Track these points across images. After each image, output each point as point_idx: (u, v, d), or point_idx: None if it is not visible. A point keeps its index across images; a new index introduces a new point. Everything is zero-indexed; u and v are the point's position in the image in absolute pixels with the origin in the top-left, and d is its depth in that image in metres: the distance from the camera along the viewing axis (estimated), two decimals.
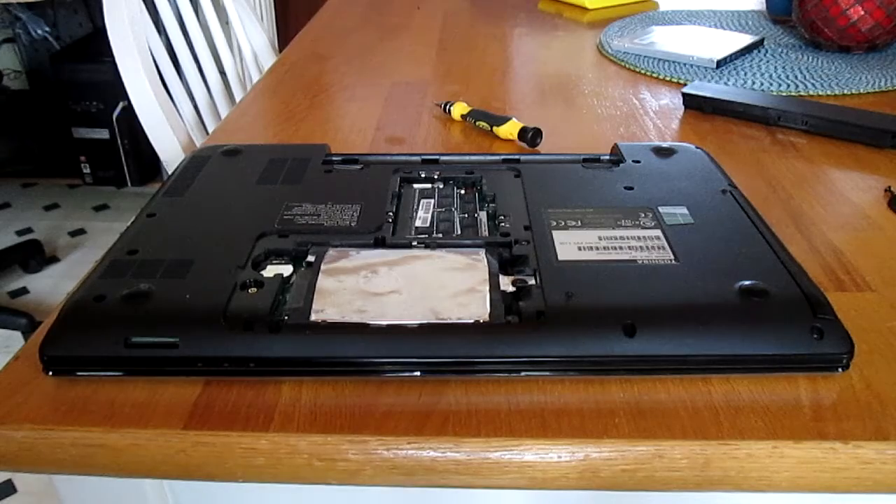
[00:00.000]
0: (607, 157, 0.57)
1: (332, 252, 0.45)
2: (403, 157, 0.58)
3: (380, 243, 0.46)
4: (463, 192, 0.53)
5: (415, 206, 0.51)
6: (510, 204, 0.50)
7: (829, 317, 0.39)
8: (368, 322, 0.39)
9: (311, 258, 0.45)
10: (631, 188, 0.52)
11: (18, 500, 1.43)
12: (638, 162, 0.56)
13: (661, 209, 0.49)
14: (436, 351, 0.38)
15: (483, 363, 0.38)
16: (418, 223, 0.49)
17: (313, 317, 0.40)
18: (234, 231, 0.47)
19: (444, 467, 0.36)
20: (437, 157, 0.58)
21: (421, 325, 0.39)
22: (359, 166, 0.57)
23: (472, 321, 0.39)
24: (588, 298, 0.40)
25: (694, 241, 0.45)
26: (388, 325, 0.39)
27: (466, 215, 0.50)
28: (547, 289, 0.41)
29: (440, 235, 0.47)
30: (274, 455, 0.36)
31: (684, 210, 0.49)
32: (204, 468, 0.37)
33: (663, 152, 0.57)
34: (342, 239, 0.47)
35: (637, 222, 0.48)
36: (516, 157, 0.58)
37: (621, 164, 0.56)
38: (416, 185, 0.54)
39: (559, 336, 0.38)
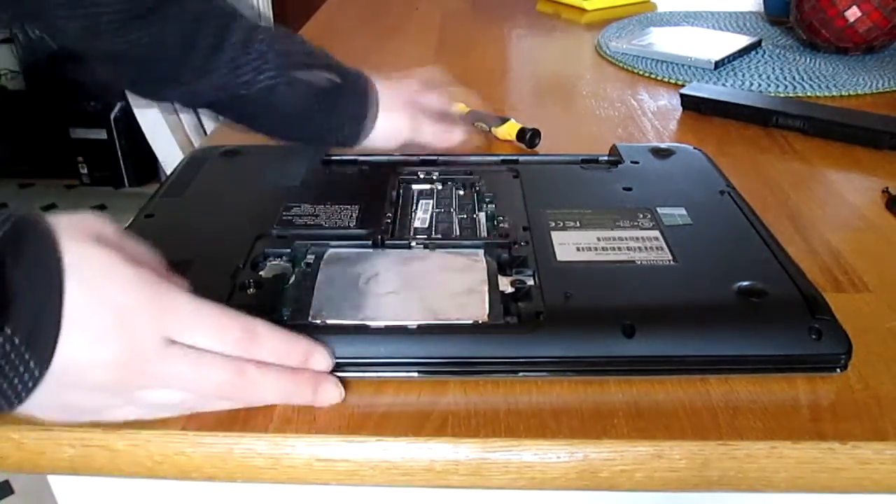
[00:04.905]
0: (605, 158, 0.57)
1: (331, 252, 0.45)
2: (402, 158, 0.58)
3: (379, 244, 0.46)
4: (462, 192, 0.53)
5: (413, 207, 0.51)
6: (509, 205, 0.50)
7: (828, 317, 0.39)
8: (367, 322, 0.39)
9: (310, 258, 0.45)
10: (629, 189, 0.52)
11: (16, 500, 1.43)
12: (636, 163, 0.56)
13: (659, 210, 0.49)
14: (434, 351, 0.38)
15: (481, 364, 0.38)
16: (417, 224, 0.49)
17: (312, 317, 0.40)
18: (232, 231, 0.47)
19: (444, 467, 0.36)
20: (435, 157, 0.58)
21: (420, 326, 0.39)
22: (357, 167, 0.57)
23: (470, 322, 0.39)
24: (586, 299, 0.40)
25: (692, 241, 0.45)
26: (387, 326, 0.39)
27: (465, 216, 0.50)
28: (545, 289, 0.41)
29: (439, 236, 0.47)
30: (274, 455, 0.36)
31: (682, 211, 0.49)
32: (203, 469, 0.37)
33: (661, 153, 0.57)
34: (341, 240, 0.47)
35: (635, 223, 0.48)
36: (515, 157, 0.58)
37: (620, 165, 0.56)
38: (414, 186, 0.54)
39: (557, 337, 0.38)
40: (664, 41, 0.93)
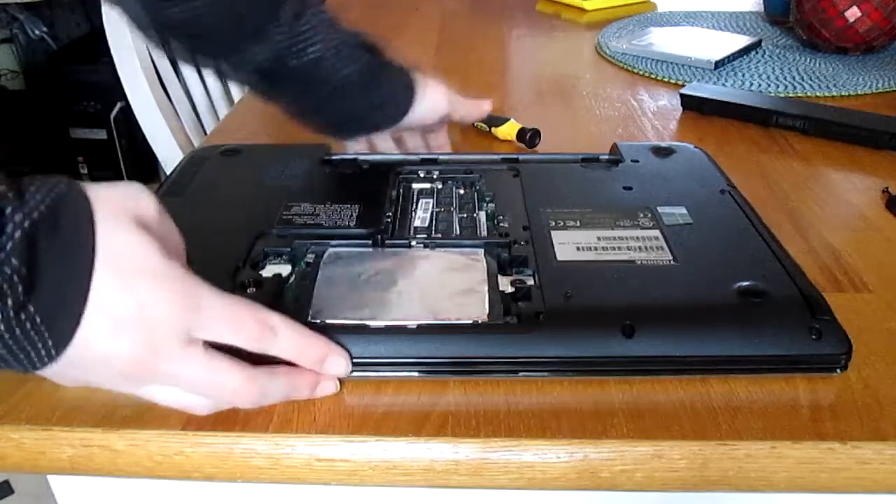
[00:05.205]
0: (606, 157, 0.57)
1: (330, 252, 0.45)
2: (402, 157, 0.58)
3: (379, 243, 0.46)
4: (462, 191, 0.53)
5: (413, 207, 0.51)
6: (509, 204, 0.50)
7: (828, 317, 0.39)
8: (367, 322, 0.39)
9: (309, 258, 0.45)
10: (630, 188, 0.52)
11: (16, 500, 1.43)
12: (637, 161, 0.56)
13: (659, 209, 0.49)
14: (434, 352, 0.38)
15: (481, 364, 0.38)
16: (417, 223, 0.49)
17: (312, 317, 0.40)
18: (232, 231, 0.47)
19: (444, 467, 0.36)
20: (435, 156, 0.58)
21: (419, 326, 0.39)
22: (357, 166, 0.57)
23: (470, 322, 0.39)
24: (586, 299, 0.40)
25: (693, 241, 0.45)
26: (387, 326, 0.39)
27: (465, 215, 0.50)
28: (545, 289, 0.41)
29: (439, 235, 0.48)
30: (274, 455, 0.36)
31: (683, 210, 0.49)
32: (203, 469, 0.37)
33: (662, 152, 0.57)
34: (341, 239, 0.47)
35: (636, 222, 0.48)
36: (515, 156, 0.58)
37: (620, 164, 0.56)
38: (415, 185, 0.54)
39: (557, 337, 0.38)
40: (664, 41, 0.93)
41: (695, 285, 0.42)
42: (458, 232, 0.48)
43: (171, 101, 1.00)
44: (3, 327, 0.29)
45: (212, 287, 0.34)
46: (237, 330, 0.34)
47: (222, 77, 0.55)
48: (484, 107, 0.64)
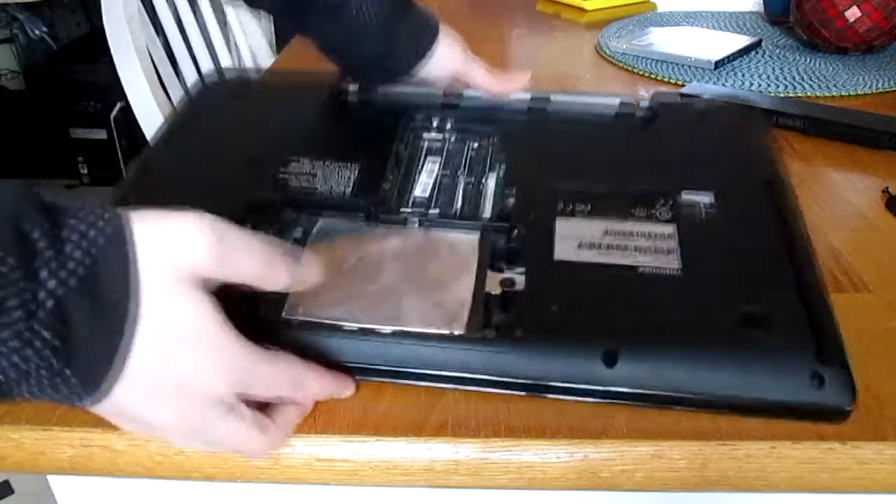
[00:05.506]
0: (646, 105, 0.53)
1: (320, 227, 0.44)
2: (424, 92, 0.55)
3: (372, 216, 0.44)
4: (476, 144, 0.50)
5: (419, 168, 0.48)
6: (520, 170, 0.47)
7: (835, 362, 0.35)
8: (342, 324, 0.38)
9: (297, 233, 0.43)
10: (656, 161, 0.48)
11: (15, 501, 1.43)
12: (675, 124, 0.51)
13: (683, 195, 0.44)
14: (406, 361, 0.37)
15: (452, 378, 0.37)
16: (418, 191, 0.46)
17: (288, 312, 0.38)
18: (224, 197, 0.43)
19: (443, 467, 0.36)
20: (459, 94, 0.55)
21: (394, 332, 0.37)
22: (371, 108, 0.54)
23: (447, 332, 0.37)
24: (572, 314, 0.37)
25: (709, 241, 0.41)
26: (361, 328, 0.38)
27: (472, 181, 0.47)
28: (532, 297, 0.39)
29: (437, 211, 0.45)
30: (274, 455, 0.36)
31: (709, 198, 0.44)
32: (203, 469, 0.37)
33: (704, 116, 0.52)
34: (334, 209, 0.44)
35: (652, 212, 0.43)
36: (546, 95, 0.54)
37: (655, 123, 0.51)
38: (425, 136, 0.51)
39: (532, 358, 0.36)
40: (664, 41, 0.93)
41: (696, 305, 0.38)
42: (460, 204, 0.45)
43: (171, 101, 1.00)
44: (36, 391, 0.28)
45: (256, 349, 0.33)
46: (272, 392, 0.35)
47: (254, 6, 0.54)
48: (513, 84, 0.55)
